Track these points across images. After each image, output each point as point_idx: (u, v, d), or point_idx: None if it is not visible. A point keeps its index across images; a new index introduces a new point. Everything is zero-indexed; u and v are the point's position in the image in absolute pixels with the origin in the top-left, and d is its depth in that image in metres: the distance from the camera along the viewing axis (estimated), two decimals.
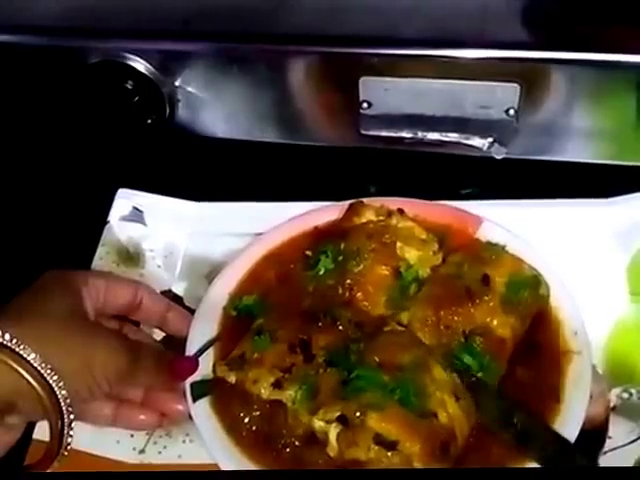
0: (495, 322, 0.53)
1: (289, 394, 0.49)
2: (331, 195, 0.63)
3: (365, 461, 0.46)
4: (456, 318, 0.53)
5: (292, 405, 0.49)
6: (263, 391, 0.49)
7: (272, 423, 0.50)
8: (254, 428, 0.50)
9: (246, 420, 0.50)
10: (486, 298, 0.53)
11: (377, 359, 0.50)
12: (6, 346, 0.44)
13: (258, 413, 0.50)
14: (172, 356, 0.53)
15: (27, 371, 0.44)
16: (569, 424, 0.50)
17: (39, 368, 0.44)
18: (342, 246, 0.56)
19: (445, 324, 0.52)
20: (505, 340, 0.53)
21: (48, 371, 0.44)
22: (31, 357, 0.44)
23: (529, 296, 0.54)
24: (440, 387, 0.49)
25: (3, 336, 0.44)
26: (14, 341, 0.44)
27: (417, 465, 0.46)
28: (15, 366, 0.43)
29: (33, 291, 0.50)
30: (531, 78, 0.59)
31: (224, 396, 0.51)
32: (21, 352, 0.44)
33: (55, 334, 0.47)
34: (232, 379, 0.51)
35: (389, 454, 0.46)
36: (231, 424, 0.50)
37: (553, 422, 0.50)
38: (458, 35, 0.60)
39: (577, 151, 0.64)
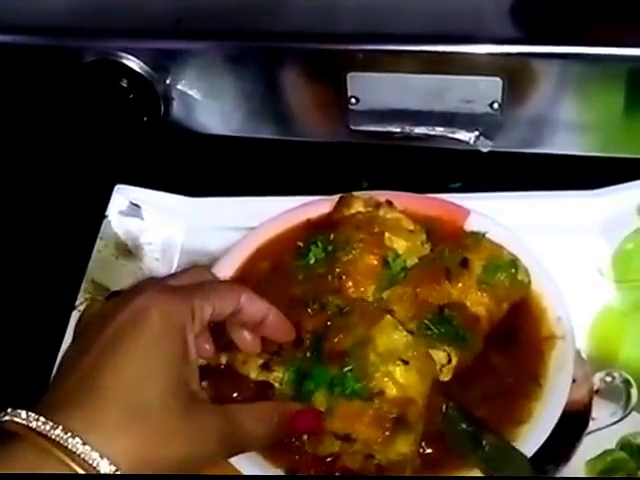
0: (470, 300, 0.54)
1: (277, 375, 0.51)
2: (323, 189, 0.64)
3: (338, 453, 0.48)
4: (433, 293, 0.54)
5: (279, 386, 0.51)
6: (252, 372, 0.51)
7: None
8: None
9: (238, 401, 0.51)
10: (463, 279, 0.54)
11: (327, 348, 0.51)
12: (64, 447, 0.37)
13: (247, 395, 0.51)
14: (275, 409, 0.48)
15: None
16: (551, 408, 0.51)
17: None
18: (332, 236, 0.57)
19: (422, 299, 0.54)
20: (479, 318, 0.54)
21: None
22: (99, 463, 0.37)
23: (506, 279, 0.55)
24: (385, 359, 0.49)
25: (65, 431, 0.37)
26: (75, 441, 0.37)
27: (376, 447, 0.47)
28: (81, 473, 0.37)
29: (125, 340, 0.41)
30: (513, 72, 0.60)
31: (216, 379, 0.52)
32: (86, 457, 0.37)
33: (149, 423, 0.40)
34: (223, 360, 0.52)
35: (349, 445, 0.47)
36: None
37: (535, 407, 0.51)
38: (442, 31, 0.61)
39: (563, 144, 0.65)
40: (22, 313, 0.64)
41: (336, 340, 0.51)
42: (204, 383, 0.52)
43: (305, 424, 0.48)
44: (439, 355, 0.51)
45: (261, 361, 0.51)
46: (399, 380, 0.49)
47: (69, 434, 0.37)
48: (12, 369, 0.59)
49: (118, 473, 0.37)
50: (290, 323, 0.51)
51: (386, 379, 0.49)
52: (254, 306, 0.49)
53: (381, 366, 0.49)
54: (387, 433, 0.47)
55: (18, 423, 0.38)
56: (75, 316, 0.58)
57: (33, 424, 0.38)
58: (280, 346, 0.52)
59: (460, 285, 0.54)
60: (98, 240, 0.63)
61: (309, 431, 0.48)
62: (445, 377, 0.52)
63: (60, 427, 0.38)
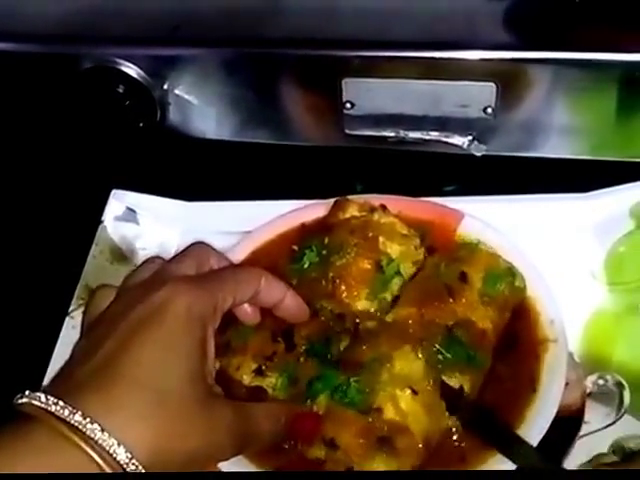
0: (475, 315, 0.54)
1: (270, 381, 0.51)
2: (318, 193, 0.65)
3: (324, 459, 0.48)
4: (439, 313, 0.53)
5: (272, 392, 0.51)
6: (245, 377, 0.51)
7: None
8: None
9: None
10: (465, 294, 0.54)
11: (346, 356, 0.51)
12: (82, 432, 0.37)
13: (241, 400, 0.51)
14: (282, 410, 0.49)
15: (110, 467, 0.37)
16: (544, 411, 0.51)
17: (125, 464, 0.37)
18: (326, 241, 0.58)
19: (428, 320, 0.53)
20: (487, 332, 0.54)
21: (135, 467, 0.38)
22: (115, 450, 0.37)
23: (505, 288, 0.55)
24: (395, 382, 0.49)
25: (84, 417, 0.38)
26: (93, 426, 0.37)
27: (355, 459, 0.47)
28: (97, 459, 0.37)
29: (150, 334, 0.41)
30: (506, 77, 0.61)
31: None
32: (102, 442, 0.37)
33: (167, 413, 0.40)
34: (216, 365, 0.51)
35: (333, 451, 0.47)
36: None
37: (528, 410, 0.51)
38: (437, 37, 0.62)
39: (556, 147, 0.66)
40: (15, 319, 0.64)
41: (358, 351, 0.51)
42: None
43: (305, 426, 0.48)
44: (451, 382, 0.51)
45: (254, 366, 0.51)
46: (401, 406, 0.49)
47: (88, 419, 0.37)
48: (5, 375, 0.60)
49: (134, 461, 0.38)
50: (304, 303, 0.52)
51: (388, 400, 0.49)
52: (272, 289, 0.49)
53: (388, 387, 0.49)
54: (368, 447, 0.47)
55: (36, 406, 0.39)
56: (68, 322, 0.59)
57: (52, 408, 0.38)
58: (274, 352, 0.52)
59: (464, 301, 0.54)
60: (93, 246, 0.64)
61: (307, 434, 0.48)
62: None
63: (79, 412, 0.38)
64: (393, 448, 0.48)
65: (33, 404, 0.39)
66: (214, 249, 0.51)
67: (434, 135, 0.65)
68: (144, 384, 0.40)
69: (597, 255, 0.62)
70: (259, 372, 0.51)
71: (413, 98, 0.63)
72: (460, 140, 0.64)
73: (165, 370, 0.41)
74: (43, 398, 0.39)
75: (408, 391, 0.49)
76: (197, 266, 0.48)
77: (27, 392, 0.40)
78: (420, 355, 0.51)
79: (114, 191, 0.67)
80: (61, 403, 0.38)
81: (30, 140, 0.73)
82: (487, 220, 0.61)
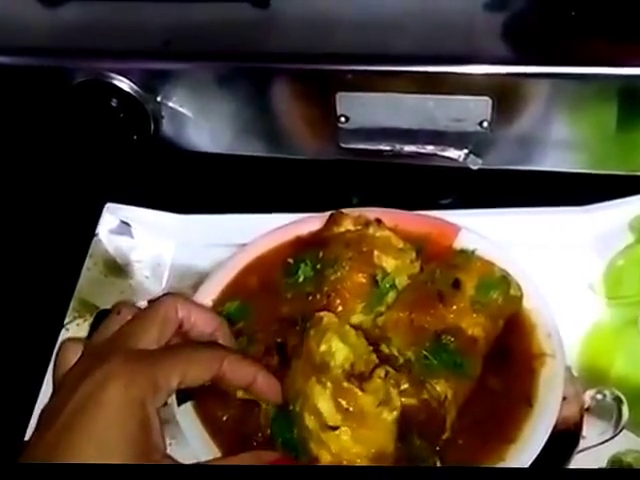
0: (466, 322, 0.53)
1: None
2: (313, 206, 0.65)
3: None
4: (428, 319, 0.53)
5: (265, 405, 0.51)
6: (238, 390, 0.50)
7: (245, 423, 0.51)
8: (232, 428, 0.51)
9: (224, 420, 0.51)
10: (457, 300, 0.54)
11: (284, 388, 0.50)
12: None
13: (234, 413, 0.51)
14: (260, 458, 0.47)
15: None
16: (540, 427, 0.51)
17: None
18: (321, 254, 0.57)
19: (417, 325, 0.53)
20: (477, 339, 0.53)
21: None
22: None
23: (499, 296, 0.55)
24: (316, 424, 0.47)
25: None
26: None
27: None
28: None
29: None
30: (502, 92, 0.61)
31: (205, 398, 0.52)
32: None
33: None
34: None
35: None
36: (213, 425, 0.51)
37: (525, 425, 0.51)
38: (432, 52, 0.62)
39: (553, 160, 0.65)
40: (10, 331, 0.64)
41: (287, 382, 0.50)
42: (190, 402, 0.52)
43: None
44: (438, 388, 0.51)
45: None
46: (331, 448, 0.47)
47: None
48: (0, 387, 0.60)
49: None
50: (278, 385, 0.50)
51: (320, 447, 0.47)
52: (238, 372, 0.48)
53: (314, 431, 0.47)
54: None
55: None
56: (63, 335, 0.59)
57: None
58: (267, 365, 0.51)
59: (454, 308, 0.54)
60: (87, 258, 0.63)
61: None
62: (450, 414, 0.51)
63: None
64: None
65: None
66: (184, 298, 0.50)
67: (430, 149, 0.64)
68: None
69: (596, 268, 0.61)
70: None
71: (408, 112, 0.63)
72: (456, 153, 0.64)
73: (106, 453, 0.40)
74: None
75: (328, 431, 0.47)
76: (161, 323, 0.47)
77: None
78: (329, 384, 0.48)
79: (108, 204, 0.67)
80: None
81: (24, 153, 0.73)
82: (484, 233, 0.61)
